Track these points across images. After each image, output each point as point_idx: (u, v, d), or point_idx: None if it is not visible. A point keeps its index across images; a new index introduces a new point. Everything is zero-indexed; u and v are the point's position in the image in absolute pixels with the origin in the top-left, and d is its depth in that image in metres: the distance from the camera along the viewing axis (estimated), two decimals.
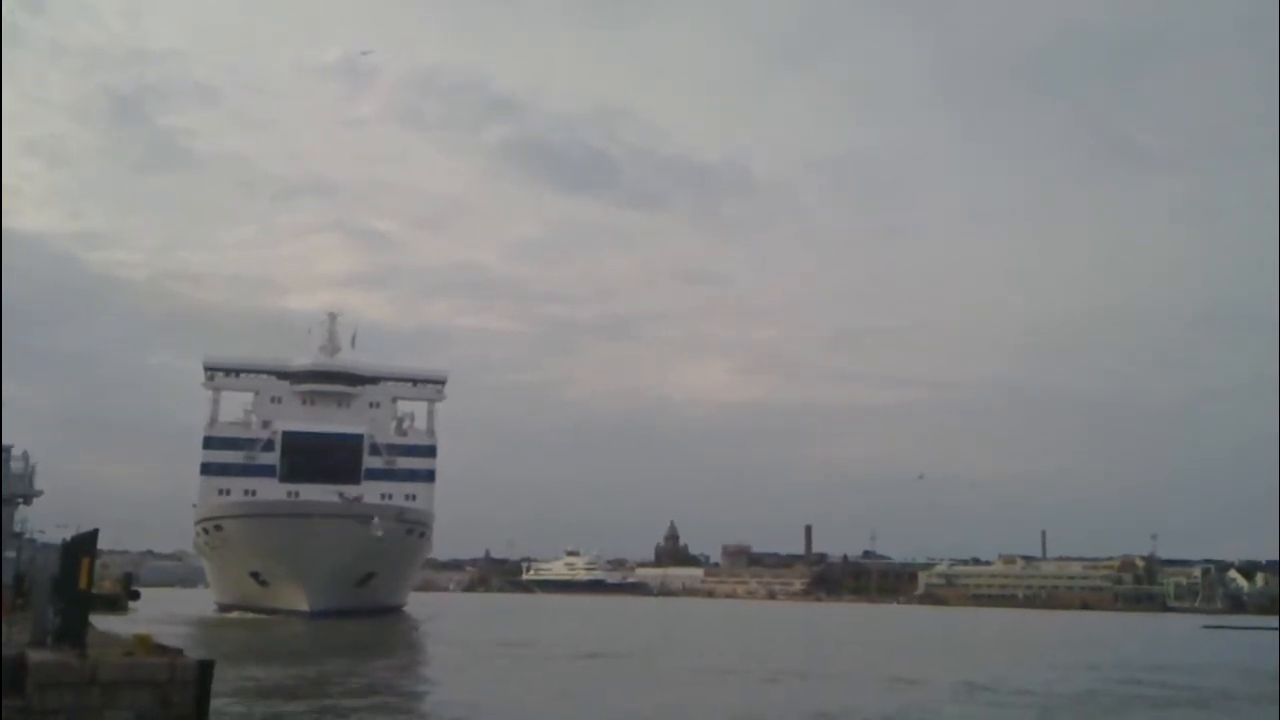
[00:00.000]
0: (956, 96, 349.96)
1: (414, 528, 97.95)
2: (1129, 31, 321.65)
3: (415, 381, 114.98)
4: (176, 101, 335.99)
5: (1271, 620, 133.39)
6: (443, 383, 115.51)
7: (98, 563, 25.12)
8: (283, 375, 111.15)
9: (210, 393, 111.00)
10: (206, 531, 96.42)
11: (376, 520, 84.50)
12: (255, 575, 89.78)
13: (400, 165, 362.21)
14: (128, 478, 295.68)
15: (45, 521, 64.55)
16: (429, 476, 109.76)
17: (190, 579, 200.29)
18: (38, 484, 60.11)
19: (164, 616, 78.56)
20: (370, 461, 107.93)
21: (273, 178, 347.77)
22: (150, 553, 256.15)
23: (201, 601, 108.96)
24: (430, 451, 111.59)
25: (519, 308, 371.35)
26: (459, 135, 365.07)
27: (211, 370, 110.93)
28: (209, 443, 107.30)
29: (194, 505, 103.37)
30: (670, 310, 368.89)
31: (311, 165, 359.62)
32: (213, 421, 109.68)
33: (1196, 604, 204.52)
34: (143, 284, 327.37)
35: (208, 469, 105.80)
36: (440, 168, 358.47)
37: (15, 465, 57.69)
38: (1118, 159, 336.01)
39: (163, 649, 19.87)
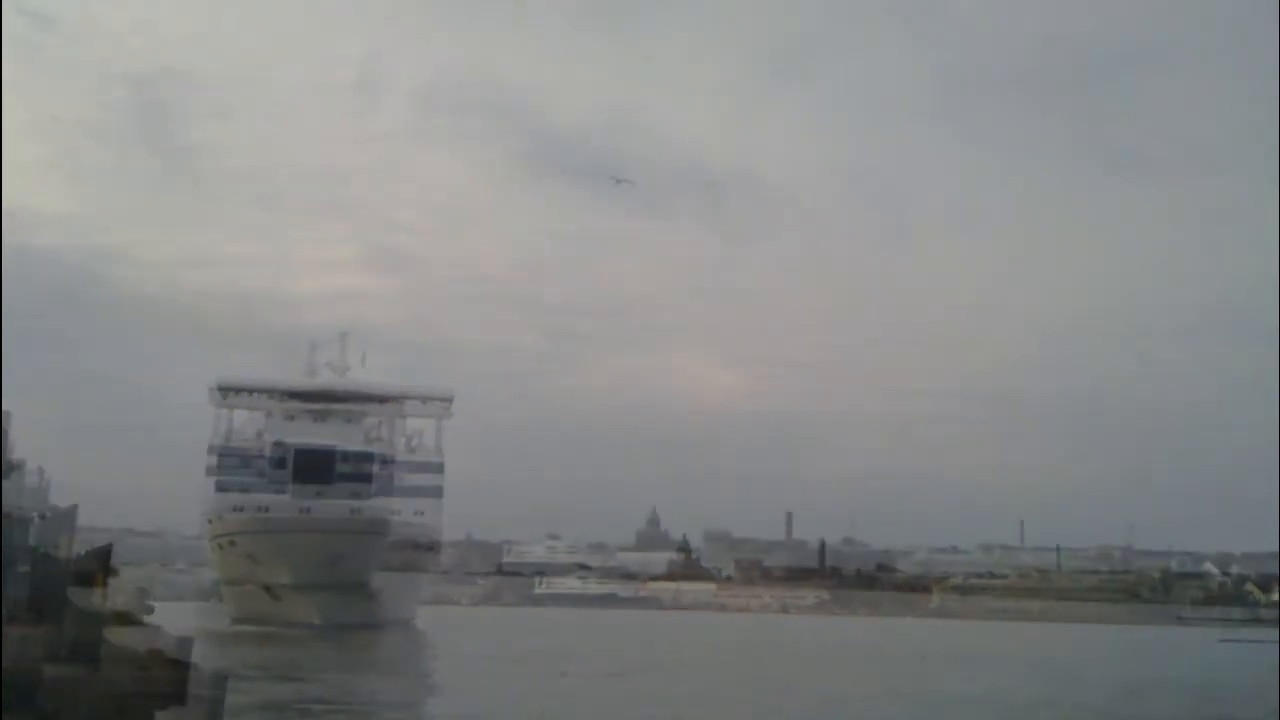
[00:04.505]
0: (955, 106, 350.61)
1: (423, 543, 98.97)
2: (1123, 41, 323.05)
3: (424, 400, 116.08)
4: (192, 117, 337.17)
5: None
6: (450, 400, 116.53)
7: (113, 579, 25.48)
8: (294, 395, 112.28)
9: (223, 410, 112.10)
10: (221, 547, 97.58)
11: None
12: (268, 589, 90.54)
13: (415, 175, 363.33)
14: (108, 455, 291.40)
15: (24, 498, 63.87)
16: (437, 493, 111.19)
17: (169, 557, 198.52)
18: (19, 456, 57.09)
19: (176, 630, 78.66)
20: (380, 478, 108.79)
21: (287, 191, 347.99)
22: (130, 530, 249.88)
23: (208, 614, 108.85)
24: (438, 468, 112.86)
25: (529, 316, 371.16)
26: (472, 144, 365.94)
27: (224, 390, 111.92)
28: (222, 458, 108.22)
29: (209, 521, 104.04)
30: (678, 313, 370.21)
31: (326, 178, 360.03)
32: (227, 437, 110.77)
33: (1215, 615, 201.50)
34: (158, 299, 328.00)
35: (221, 485, 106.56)
36: (454, 177, 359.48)
37: None
38: (1113, 166, 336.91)
39: (175, 662, 20.19)
